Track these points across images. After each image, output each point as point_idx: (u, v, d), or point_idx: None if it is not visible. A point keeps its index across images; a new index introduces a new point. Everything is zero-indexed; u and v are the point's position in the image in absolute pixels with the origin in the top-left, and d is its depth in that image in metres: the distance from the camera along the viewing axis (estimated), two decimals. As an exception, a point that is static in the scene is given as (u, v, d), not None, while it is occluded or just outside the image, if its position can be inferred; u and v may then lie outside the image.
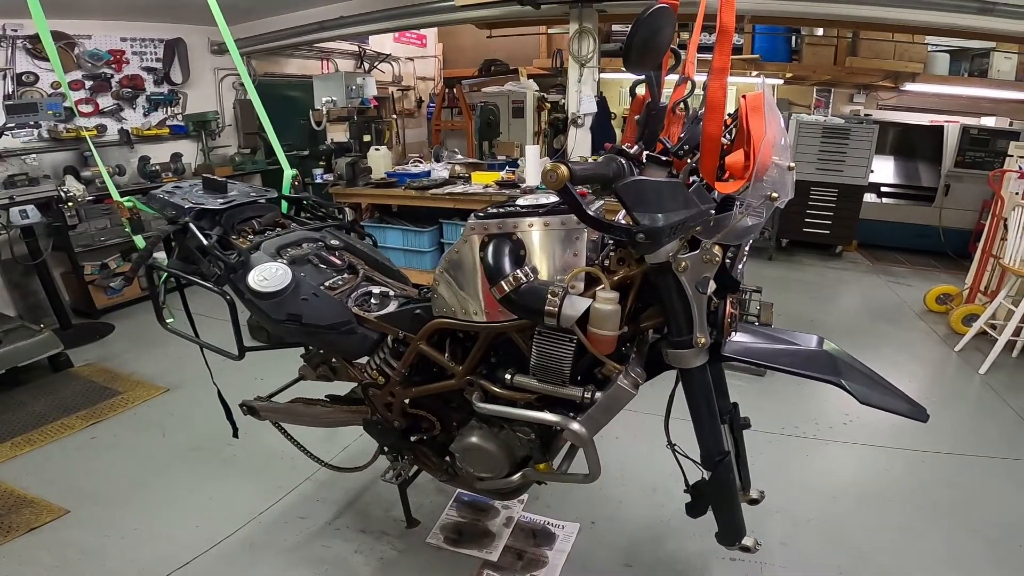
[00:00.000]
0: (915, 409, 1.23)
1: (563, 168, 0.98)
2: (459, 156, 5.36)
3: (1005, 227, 3.65)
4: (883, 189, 6.08)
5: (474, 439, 1.54)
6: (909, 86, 5.97)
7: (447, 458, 1.76)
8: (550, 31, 6.92)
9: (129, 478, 2.47)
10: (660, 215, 1.05)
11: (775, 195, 1.04)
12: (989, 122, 5.96)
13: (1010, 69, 5.73)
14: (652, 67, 1.18)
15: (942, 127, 5.75)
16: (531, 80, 6.70)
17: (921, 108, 6.29)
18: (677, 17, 1.17)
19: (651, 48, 1.10)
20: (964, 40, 5.34)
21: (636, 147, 1.20)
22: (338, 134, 5.75)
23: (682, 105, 1.35)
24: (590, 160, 1.12)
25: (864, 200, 5.66)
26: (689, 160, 1.19)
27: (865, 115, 6.18)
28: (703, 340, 1.19)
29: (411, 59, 7.70)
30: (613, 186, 1.05)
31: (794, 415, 2.89)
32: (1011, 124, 5.81)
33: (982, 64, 5.82)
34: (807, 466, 2.55)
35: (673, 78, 1.38)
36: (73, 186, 3.87)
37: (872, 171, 5.59)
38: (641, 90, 1.27)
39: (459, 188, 4.15)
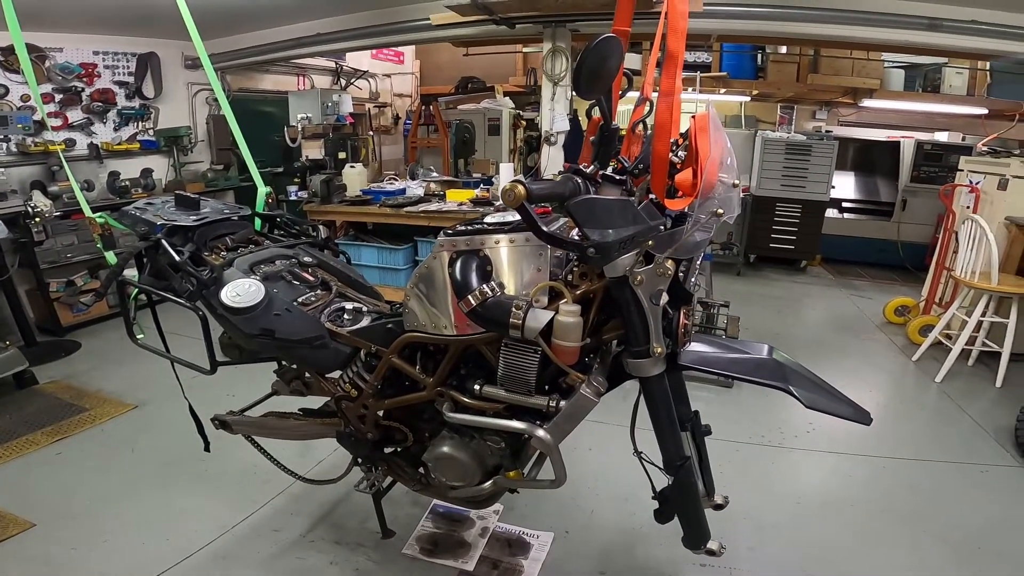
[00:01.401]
0: (858, 413, 1.31)
1: (520, 188, 1.05)
2: (434, 174, 5.40)
3: (957, 240, 3.82)
4: (844, 204, 6.29)
5: (446, 448, 1.57)
6: (867, 102, 6.18)
7: (420, 468, 1.79)
8: (525, 50, 7.06)
9: (97, 493, 2.43)
10: (610, 231, 1.12)
11: (721, 211, 1.12)
12: (942, 137, 6.23)
13: (961, 84, 5.95)
14: (601, 92, 1.25)
15: (898, 143, 5.99)
16: (507, 98, 6.80)
17: (879, 124, 6.51)
18: (646, 36, 1.24)
19: (600, 75, 1.18)
20: (917, 56, 5.58)
21: (592, 166, 1.27)
22: (313, 151, 5.77)
23: (641, 125, 1.43)
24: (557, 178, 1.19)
25: (826, 215, 5.84)
26: (645, 178, 1.26)
27: (826, 131, 6.39)
28: (659, 349, 1.25)
29: (388, 76, 7.75)
30: (565, 204, 1.11)
31: (760, 424, 2.97)
32: (963, 139, 6.07)
33: (935, 79, 6.07)
34: (772, 473, 2.62)
35: (635, 95, 1.46)
36: (40, 201, 3.82)
37: (833, 187, 5.78)
38: (596, 113, 1.34)
39: (434, 206, 4.19)
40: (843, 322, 4.62)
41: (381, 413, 1.72)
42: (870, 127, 6.55)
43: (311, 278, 1.84)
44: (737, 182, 1.16)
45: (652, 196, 1.24)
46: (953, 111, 5.91)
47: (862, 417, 1.30)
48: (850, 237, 6.18)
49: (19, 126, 3.90)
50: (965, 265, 3.53)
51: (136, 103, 5.06)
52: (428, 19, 4.21)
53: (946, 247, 4.09)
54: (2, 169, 4.06)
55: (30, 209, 3.71)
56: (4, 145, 4.09)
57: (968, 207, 3.93)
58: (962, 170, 4.25)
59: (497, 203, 3.97)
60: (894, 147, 6.03)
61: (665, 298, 1.21)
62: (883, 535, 2.22)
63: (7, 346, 3.34)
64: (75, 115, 4.64)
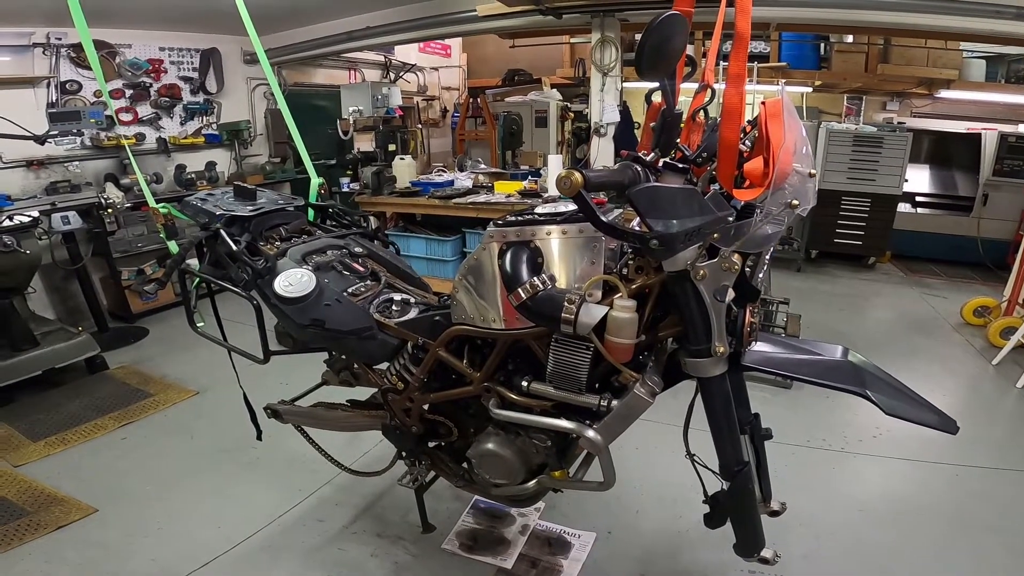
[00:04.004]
0: (944, 421, 1.19)
1: (577, 175, 0.99)
2: (482, 166, 5.40)
3: (1046, 237, 3.53)
4: (918, 199, 5.92)
5: (490, 445, 1.54)
6: (944, 93, 5.81)
7: (464, 464, 1.77)
8: (573, 41, 6.94)
9: (157, 478, 2.53)
10: (674, 221, 1.05)
11: (795, 203, 1.03)
12: (1029, 130, 5.76)
13: (1050, 76, 5.55)
14: (665, 74, 1.18)
15: (979, 135, 5.57)
16: (554, 89, 6.72)
17: (958, 115, 6.11)
18: (699, 25, 1.17)
19: (663, 55, 1.11)
20: (1000, 46, 5.19)
21: (652, 154, 1.20)
22: (364, 143, 5.85)
23: (702, 112, 1.35)
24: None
25: (898, 210, 5.51)
26: (708, 167, 1.18)
27: (898, 123, 6.03)
28: (722, 349, 1.18)
29: (436, 69, 7.80)
30: (627, 192, 1.05)
31: (821, 427, 2.82)
32: (1051, 132, 5.59)
33: (1019, 70, 5.65)
34: (834, 479, 2.48)
35: (693, 86, 1.38)
36: (113, 193, 4.01)
37: (906, 180, 5.44)
38: (657, 97, 1.27)
39: (482, 198, 4.18)
40: (916, 322, 4.33)
41: (426, 407, 1.71)
42: (947, 119, 6.13)
43: (361, 268, 1.85)
44: (814, 171, 1.07)
45: (717, 186, 1.17)
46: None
47: (948, 426, 1.18)
48: (924, 233, 5.79)
49: (92, 120, 4.08)
50: (1055, 264, 3.24)
51: (200, 98, 5.25)
52: (475, 11, 4.19)
53: (1032, 245, 3.77)
54: (77, 163, 4.29)
55: (103, 200, 3.90)
56: (78, 139, 4.31)
57: (1059, 202, 3.61)
58: (1052, 162, 3.90)
59: (546, 194, 3.92)
60: (974, 139, 5.61)
61: (731, 295, 1.13)
62: (951, 547, 2.07)
63: (80, 332, 3.53)
64: (144, 110, 4.86)
